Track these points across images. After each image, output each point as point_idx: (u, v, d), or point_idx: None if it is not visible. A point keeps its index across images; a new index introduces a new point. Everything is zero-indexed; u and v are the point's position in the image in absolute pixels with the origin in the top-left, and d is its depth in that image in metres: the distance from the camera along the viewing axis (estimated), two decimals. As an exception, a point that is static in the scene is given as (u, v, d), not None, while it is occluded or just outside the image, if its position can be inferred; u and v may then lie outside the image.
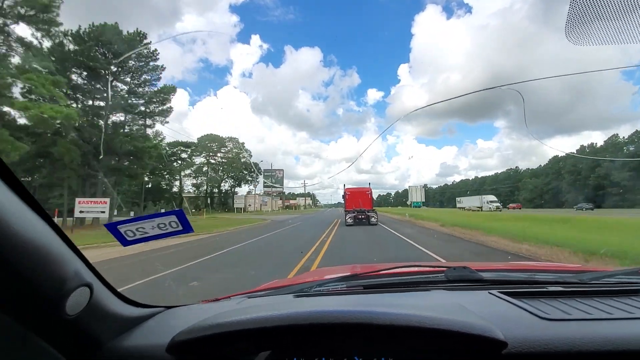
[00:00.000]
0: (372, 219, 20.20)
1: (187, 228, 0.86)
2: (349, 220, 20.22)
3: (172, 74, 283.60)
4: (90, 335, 0.69)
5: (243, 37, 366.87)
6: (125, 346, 0.73)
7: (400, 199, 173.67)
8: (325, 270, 2.00)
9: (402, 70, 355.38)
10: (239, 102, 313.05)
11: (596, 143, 74.93)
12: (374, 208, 21.73)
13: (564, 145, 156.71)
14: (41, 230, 0.58)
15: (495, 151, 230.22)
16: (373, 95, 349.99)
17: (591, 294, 0.86)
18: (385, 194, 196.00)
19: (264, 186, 63.60)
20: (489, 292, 0.91)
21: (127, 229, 0.81)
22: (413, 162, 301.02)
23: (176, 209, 0.87)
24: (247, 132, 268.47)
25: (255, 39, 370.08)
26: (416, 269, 1.31)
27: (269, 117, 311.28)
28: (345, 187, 23.39)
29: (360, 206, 21.20)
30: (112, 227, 0.81)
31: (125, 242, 0.82)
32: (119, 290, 0.81)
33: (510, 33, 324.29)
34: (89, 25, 23.82)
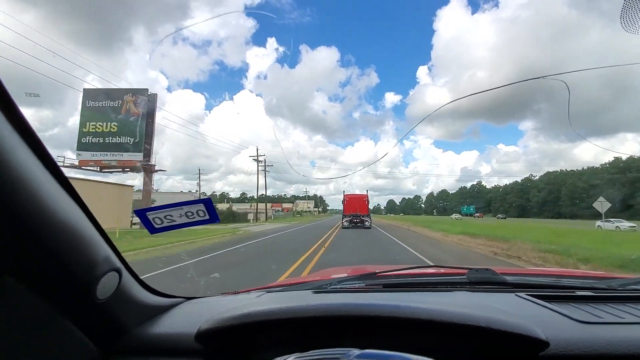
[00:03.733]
0: (366, 223, 22.90)
1: (213, 217, 0.85)
2: (346, 223, 22.85)
3: (186, 75, 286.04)
4: (117, 321, 0.71)
5: (258, 40, 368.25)
6: (150, 333, 0.75)
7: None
8: (338, 270, 1.91)
9: (423, 68, 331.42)
10: (254, 105, 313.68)
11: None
12: (369, 213, 24.33)
13: (597, 149, 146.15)
14: (75, 212, 0.59)
15: (521, 155, 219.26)
16: (392, 95, 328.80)
17: (622, 300, 0.85)
18: (409, 197, 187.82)
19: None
20: (516, 295, 0.89)
21: (155, 216, 0.81)
22: (431, 167, 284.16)
23: (204, 198, 0.87)
24: (261, 135, 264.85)
25: (271, 42, 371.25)
26: (435, 269, 1.34)
27: (284, 119, 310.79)
28: (345, 193, 25.19)
29: (357, 211, 23.15)
30: (142, 213, 0.80)
31: (152, 230, 0.82)
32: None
33: (542, 25, 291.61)
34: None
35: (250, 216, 42.86)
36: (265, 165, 40.52)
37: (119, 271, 0.68)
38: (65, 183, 0.58)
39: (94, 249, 0.61)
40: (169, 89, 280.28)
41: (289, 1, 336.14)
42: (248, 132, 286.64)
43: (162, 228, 0.83)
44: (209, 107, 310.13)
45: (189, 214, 0.83)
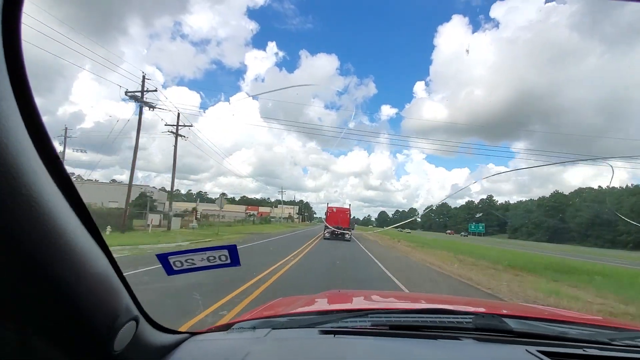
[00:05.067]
0: (347, 236, 23.78)
1: (235, 262, 0.87)
2: (327, 235, 23.95)
3: (182, 72, 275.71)
4: None
5: (258, 42, 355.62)
6: None
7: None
8: (342, 296, 1.95)
9: (421, 82, 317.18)
10: (250, 108, 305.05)
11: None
12: (349, 227, 25.40)
13: (585, 174, 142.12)
14: (102, 261, 0.57)
15: (511, 175, 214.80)
16: (389, 106, 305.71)
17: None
18: (403, 210, 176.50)
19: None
20: (526, 350, 0.88)
21: (176, 260, 0.83)
22: (422, 182, 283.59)
23: (230, 244, 0.89)
24: (255, 139, 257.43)
25: (272, 45, 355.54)
26: (438, 305, 1.33)
27: (279, 123, 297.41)
28: (329, 205, 26.32)
29: (339, 223, 23.79)
30: (163, 258, 0.83)
31: (170, 271, 0.84)
32: None
33: (541, 47, 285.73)
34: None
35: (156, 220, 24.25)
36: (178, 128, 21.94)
37: (137, 320, 0.66)
38: (91, 225, 0.55)
39: (116, 298, 0.59)
40: (164, 85, 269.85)
41: (292, 7, 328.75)
42: (242, 135, 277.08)
43: (181, 270, 0.85)
44: (204, 107, 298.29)
45: (211, 258, 0.86)
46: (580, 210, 66.51)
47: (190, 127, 21.49)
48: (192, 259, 0.84)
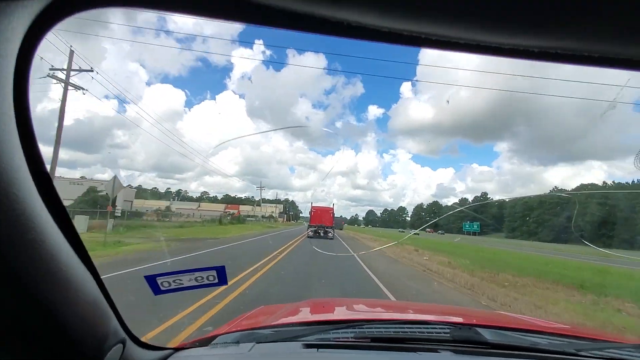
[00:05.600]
0: (329, 234, 24.13)
1: (222, 281, 0.87)
2: (310, 233, 24.03)
3: (167, 69, 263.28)
4: None
5: (245, 40, 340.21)
6: None
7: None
8: (323, 305, 1.96)
9: (408, 82, 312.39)
10: (236, 106, 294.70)
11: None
12: (332, 225, 25.13)
13: (565, 173, 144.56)
14: (92, 285, 0.55)
15: (495, 175, 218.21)
16: (376, 106, 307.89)
17: None
18: (392, 209, 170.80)
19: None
20: None
21: (164, 280, 0.83)
22: (408, 182, 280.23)
23: (218, 266, 0.89)
24: (242, 138, 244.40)
25: (259, 43, 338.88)
26: (418, 316, 1.44)
27: (265, 122, 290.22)
28: (312, 205, 26.01)
29: (322, 222, 24.19)
30: (151, 279, 0.82)
31: (156, 291, 0.84)
32: None
33: None
34: None
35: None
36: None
37: (124, 342, 0.65)
38: (81, 249, 0.53)
39: (105, 322, 0.58)
40: (147, 83, 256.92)
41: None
42: (229, 134, 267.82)
43: (167, 290, 0.84)
44: (189, 105, 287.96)
45: (199, 278, 0.86)
46: (589, 207, 60.79)
47: (91, 73, 14.06)
48: (180, 280, 0.84)
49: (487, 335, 1.07)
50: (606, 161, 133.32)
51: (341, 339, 1.02)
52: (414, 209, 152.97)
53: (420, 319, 1.31)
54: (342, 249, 17.47)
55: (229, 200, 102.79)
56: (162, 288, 0.83)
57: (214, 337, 1.11)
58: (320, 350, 0.95)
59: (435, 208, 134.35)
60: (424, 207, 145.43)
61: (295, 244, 17.44)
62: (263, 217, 73.19)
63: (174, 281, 0.83)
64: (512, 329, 1.34)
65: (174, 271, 0.83)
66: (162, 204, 65.71)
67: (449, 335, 1.06)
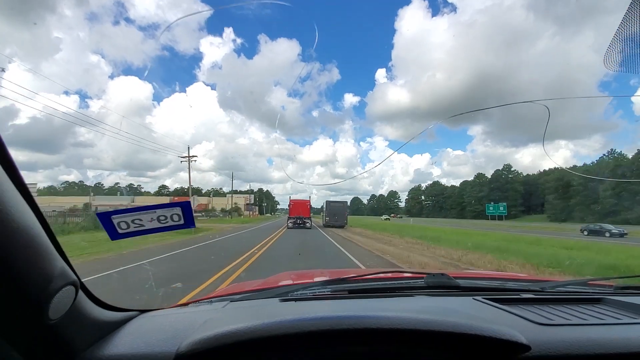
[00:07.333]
0: (307, 224, 27.21)
1: (189, 222, 0.81)
2: (290, 224, 26.93)
3: (130, 60, 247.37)
4: (69, 343, 0.61)
5: (213, 27, 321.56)
6: (102, 355, 0.65)
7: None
8: (299, 274, 1.98)
9: (384, 68, 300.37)
10: (207, 97, 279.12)
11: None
12: (310, 216, 28.27)
13: (535, 154, 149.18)
14: (32, 221, 0.52)
15: (470, 158, 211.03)
16: (353, 93, 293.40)
17: (558, 302, 0.97)
18: (381, 195, 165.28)
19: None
20: (473, 299, 0.97)
21: (121, 220, 0.76)
22: (386, 170, 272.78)
23: (183, 201, 0.81)
24: (215, 130, 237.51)
25: (228, 31, 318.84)
26: (394, 274, 1.40)
27: (239, 113, 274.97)
28: (291, 198, 28.96)
29: (300, 214, 27.48)
30: (105, 217, 0.75)
31: (114, 235, 0.76)
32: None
33: (496, 30, 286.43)
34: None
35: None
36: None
37: (75, 285, 0.60)
38: (21, 185, 0.51)
39: (49, 262, 0.54)
40: (111, 76, 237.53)
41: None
42: (201, 127, 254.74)
43: (127, 234, 0.77)
44: (157, 98, 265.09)
45: (162, 218, 0.79)
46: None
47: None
48: (140, 219, 0.77)
49: (460, 282, 1.10)
50: (573, 140, 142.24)
51: (318, 294, 1.03)
52: (409, 192, 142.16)
53: (398, 276, 1.37)
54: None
55: (178, 192, 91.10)
56: (120, 231, 0.75)
57: (187, 304, 1.09)
58: (297, 302, 0.95)
59: (439, 190, 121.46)
60: (423, 189, 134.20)
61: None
62: (223, 210, 62.01)
63: (132, 221, 0.76)
64: (482, 278, 1.46)
65: (131, 208, 0.76)
66: (80, 200, 55.11)
67: (423, 282, 1.09)
